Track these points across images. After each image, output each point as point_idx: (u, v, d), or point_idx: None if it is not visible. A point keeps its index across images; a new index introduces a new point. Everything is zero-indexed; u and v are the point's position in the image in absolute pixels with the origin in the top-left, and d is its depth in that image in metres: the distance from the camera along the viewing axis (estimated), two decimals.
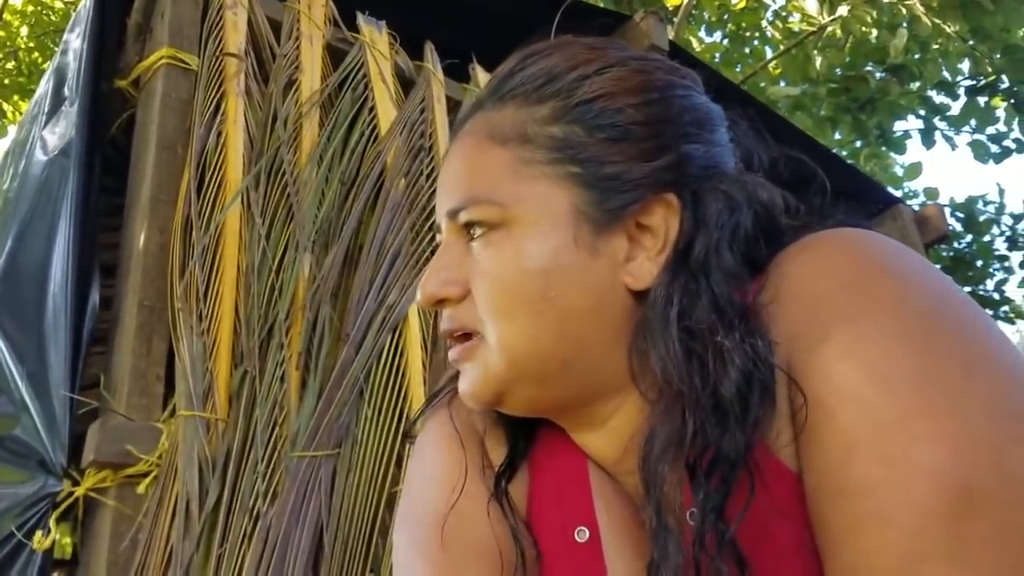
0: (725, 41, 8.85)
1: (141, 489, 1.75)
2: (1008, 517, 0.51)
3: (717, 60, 8.51)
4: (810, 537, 0.58)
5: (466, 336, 0.71)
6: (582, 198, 0.68)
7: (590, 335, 0.68)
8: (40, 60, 8.26)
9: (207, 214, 2.02)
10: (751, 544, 0.58)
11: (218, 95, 2.17)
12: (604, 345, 0.68)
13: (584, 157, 0.68)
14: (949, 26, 6.25)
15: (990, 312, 7.66)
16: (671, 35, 5.66)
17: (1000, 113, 7.75)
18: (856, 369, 0.56)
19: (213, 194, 2.05)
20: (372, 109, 2.37)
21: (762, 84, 7.81)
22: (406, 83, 2.58)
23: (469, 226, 0.70)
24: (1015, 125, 7.52)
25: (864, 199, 3.96)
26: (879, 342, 0.57)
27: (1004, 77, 7.15)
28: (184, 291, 1.92)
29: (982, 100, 7.62)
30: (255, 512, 1.74)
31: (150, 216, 1.99)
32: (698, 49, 8.46)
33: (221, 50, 2.23)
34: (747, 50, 8.70)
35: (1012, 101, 7.30)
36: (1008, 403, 0.54)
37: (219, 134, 2.12)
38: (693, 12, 8.20)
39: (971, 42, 6.82)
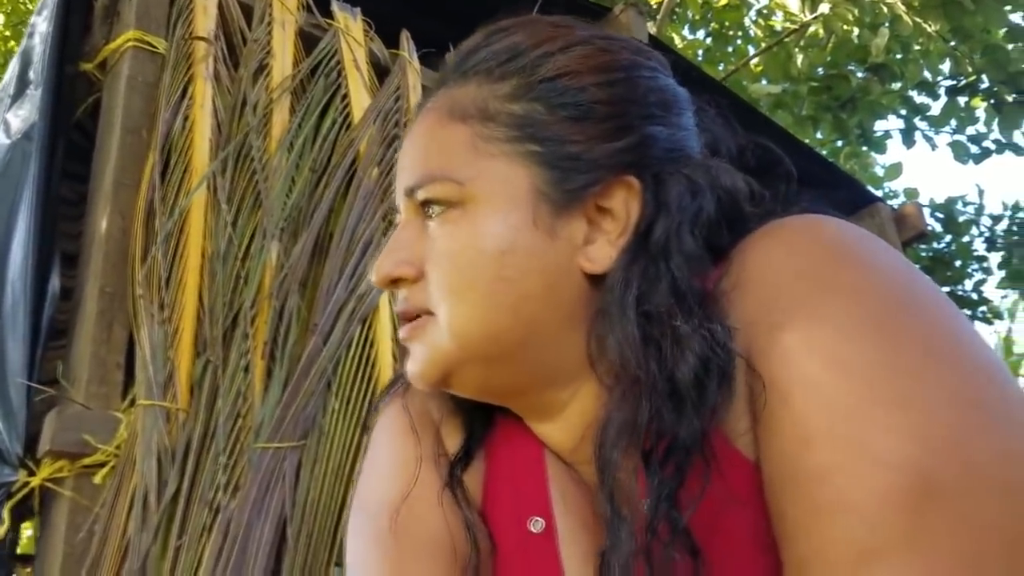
0: (708, 39, 8.86)
1: (98, 480, 1.71)
2: (968, 507, 0.49)
3: (700, 58, 8.52)
4: (768, 527, 0.57)
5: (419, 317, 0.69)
6: (542, 178, 0.66)
7: (544, 318, 0.66)
8: (16, 48, 8.18)
9: (172, 199, 1.98)
10: (705, 533, 0.57)
11: (186, 79, 2.13)
12: (558, 329, 0.67)
13: (545, 136, 0.66)
14: (930, 25, 6.28)
15: (968, 312, 7.72)
16: (653, 31, 5.66)
17: (980, 114, 7.79)
18: (815, 356, 0.55)
19: (178, 179, 2.01)
20: (345, 97, 2.34)
21: (744, 82, 7.82)
22: (381, 71, 2.55)
23: (426, 204, 0.68)
24: (995, 126, 7.55)
25: (844, 197, 3.97)
26: (839, 328, 0.55)
27: (984, 77, 7.18)
28: (146, 278, 1.88)
29: (962, 100, 7.65)
30: (215, 504, 1.70)
31: (113, 200, 1.95)
32: (680, 46, 8.47)
33: (190, 34, 2.19)
34: (730, 48, 8.72)
35: (992, 102, 7.32)
36: (970, 391, 0.52)
37: (186, 119, 2.08)
38: (676, 10, 8.20)
39: (952, 42, 6.86)
